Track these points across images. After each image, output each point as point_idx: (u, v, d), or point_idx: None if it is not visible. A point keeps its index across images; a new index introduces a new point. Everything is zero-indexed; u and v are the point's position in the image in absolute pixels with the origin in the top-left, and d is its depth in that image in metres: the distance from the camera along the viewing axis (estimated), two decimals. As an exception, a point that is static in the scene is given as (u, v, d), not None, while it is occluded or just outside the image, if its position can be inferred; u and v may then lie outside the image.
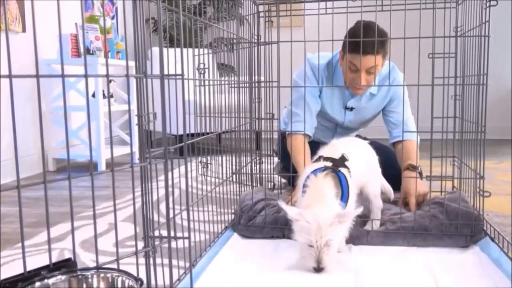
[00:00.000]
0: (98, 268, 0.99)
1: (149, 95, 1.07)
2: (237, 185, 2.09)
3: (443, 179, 1.69)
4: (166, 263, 1.24)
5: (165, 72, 1.04)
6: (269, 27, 1.98)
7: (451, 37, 1.69)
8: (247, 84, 2.13)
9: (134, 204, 1.01)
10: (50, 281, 0.93)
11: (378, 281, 1.33)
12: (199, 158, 2.03)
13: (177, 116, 1.17)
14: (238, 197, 1.99)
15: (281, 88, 1.84)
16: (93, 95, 3.26)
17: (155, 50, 3.96)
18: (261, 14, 2.12)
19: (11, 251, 1.65)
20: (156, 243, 1.08)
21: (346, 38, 1.97)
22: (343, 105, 2.25)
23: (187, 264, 1.34)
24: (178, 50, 3.47)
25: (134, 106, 3.40)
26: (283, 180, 2.64)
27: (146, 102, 1.06)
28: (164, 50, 1.06)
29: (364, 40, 1.73)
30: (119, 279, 0.98)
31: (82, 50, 3.23)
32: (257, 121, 2.19)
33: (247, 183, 2.20)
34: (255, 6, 2.15)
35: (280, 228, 1.69)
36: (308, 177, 1.50)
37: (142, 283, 0.97)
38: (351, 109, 2.25)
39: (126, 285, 0.97)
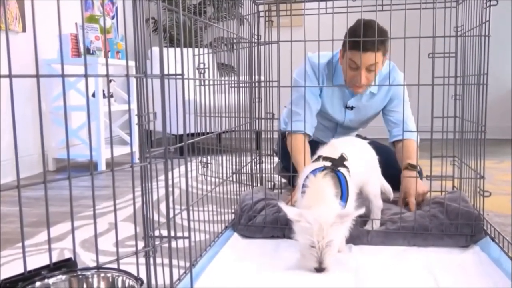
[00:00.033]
0: (99, 268, 0.99)
1: (149, 95, 1.07)
2: (237, 185, 2.09)
3: (443, 178, 1.69)
4: (166, 263, 1.24)
5: (165, 72, 1.04)
6: (269, 26, 1.98)
7: (451, 37, 1.69)
8: (247, 84, 2.13)
9: (134, 204, 1.01)
10: (51, 281, 0.93)
11: (378, 281, 1.33)
12: (199, 158, 2.03)
13: (177, 116, 1.17)
14: (238, 197, 1.99)
15: (281, 88, 1.84)
16: (93, 95, 3.26)
17: (155, 49, 3.96)
18: (261, 14, 2.12)
19: (11, 250, 1.65)
20: (156, 243, 1.08)
21: (346, 36, 1.97)
22: (344, 104, 2.25)
23: (187, 264, 1.34)
24: (178, 50, 3.47)
25: (134, 106, 3.40)
26: (283, 180, 2.64)
27: (146, 102, 1.06)
28: (164, 50, 1.06)
29: (364, 36, 1.73)
30: (120, 279, 0.98)
31: (82, 50, 3.23)
32: (257, 121, 2.19)
33: (247, 183, 2.20)
34: (255, 6, 2.15)
35: (280, 228, 1.69)
36: (307, 177, 1.50)
37: (142, 283, 0.97)
38: (352, 108, 2.25)
39: (127, 285, 0.97)
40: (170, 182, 1.06)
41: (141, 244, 1.08)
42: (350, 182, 1.52)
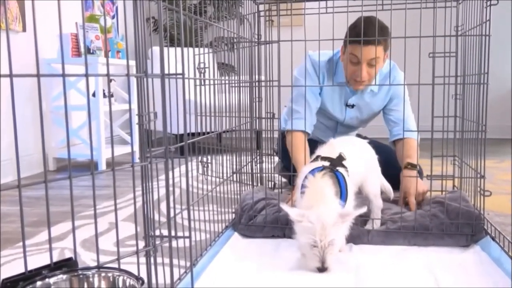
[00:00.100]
0: (99, 267, 0.99)
1: (150, 94, 1.07)
2: (238, 185, 2.09)
3: (444, 178, 1.69)
4: (167, 263, 1.24)
5: (166, 72, 1.04)
6: (269, 26, 1.98)
7: (452, 36, 1.69)
8: (248, 84, 2.13)
9: (135, 203, 1.01)
10: (51, 280, 0.93)
11: (378, 280, 1.33)
12: (200, 158, 2.03)
13: (177, 116, 1.17)
14: (238, 197, 1.99)
15: (282, 88, 1.84)
16: (93, 95, 3.26)
17: (156, 49, 3.96)
18: (262, 13, 2.12)
19: (12, 250, 1.65)
20: (157, 242, 1.08)
21: (347, 33, 1.98)
22: (344, 102, 2.25)
23: (188, 264, 1.34)
24: (178, 49, 3.47)
25: (134, 106, 3.40)
26: (284, 180, 2.64)
27: (147, 101, 1.06)
28: (165, 49, 1.06)
29: (365, 31, 1.73)
30: (120, 278, 0.98)
31: (82, 49, 3.23)
32: (257, 120, 2.19)
33: (248, 183, 2.20)
34: (256, 5, 2.15)
35: (281, 228, 1.69)
36: (306, 177, 1.50)
37: (143, 282, 0.97)
38: (352, 106, 2.25)
39: (127, 284, 0.97)
40: (170, 181, 1.06)
41: (141, 244, 1.08)
42: (349, 181, 1.52)
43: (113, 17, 4.22)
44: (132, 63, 3.31)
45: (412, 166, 1.98)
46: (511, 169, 3.10)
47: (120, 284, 0.98)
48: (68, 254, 1.62)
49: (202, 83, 1.85)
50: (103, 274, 0.99)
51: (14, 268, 1.45)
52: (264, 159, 2.35)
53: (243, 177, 2.15)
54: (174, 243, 1.12)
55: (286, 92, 1.93)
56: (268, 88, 2.03)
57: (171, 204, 1.09)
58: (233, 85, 2.08)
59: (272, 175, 2.47)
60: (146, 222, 1.07)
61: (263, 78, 2.10)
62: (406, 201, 1.91)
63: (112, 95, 3.92)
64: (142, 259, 1.06)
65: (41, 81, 0.82)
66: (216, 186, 1.72)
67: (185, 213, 1.40)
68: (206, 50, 3.77)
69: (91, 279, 0.98)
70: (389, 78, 2.12)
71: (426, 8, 1.61)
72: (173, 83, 2.15)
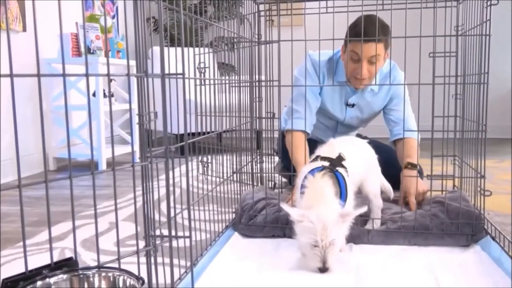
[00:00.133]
0: (100, 267, 0.99)
1: (150, 94, 1.07)
2: (238, 184, 2.09)
3: (444, 178, 1.69)
4: (167, 262, 1.24)
5: (166, 71, 1.04)
6: (269, 26, 1.98)
7: (452, 36, 1.69)
8: (248, 83, 2.13)
9: (135, 203, 1.01)
10: (52, 280, 0.93)
11: (378, 280, 1.33)
12: (200, 157, 2.03)
13: (178, 115, 1.17)
14: (238, 196, 1.99)
15: (282, 87, 1.84)
16: (94, 94, 3.27)
17: (156, 49, 3.96)
18: (262, 13, 2.12)
19: (12, 250, 1.65)
20: (157, 242, 1.08)
21: (347, 33, 1.98)
22: (345, 101, 2.25)
23: (188, 263, 1.35)
24: (178, 49, 3.47)
25: (135, 105, 3.40)
26: (284, 179, 2.64)
27: (147, 101, 1.06)
28: (165, 49, 1.06)
29: (365, 28, 1.74)
30: (121, 278, 0.99)
31: (82, 49, 3.23)
32: (257, 120, 2.19)
33: (248, 182, 2.20)
34: (256, 5, 2.15)
35: (281, 227, 1.69)
36: (305, 177, 1.50)
37: (143, 282, 0.97)
38: (353, 105, 2.25)
39: (128, 284, 0.97)
40: (170, 181, 1.06)
41: (142, 244, 1.08)
42: (349, 181, 1.52)
43: (113, 17, 4.22)
44: (133, 63, 3.31)
45: (413, 166, 1.98)
46: (511, 169, 3.10)
47: (121, 284, 0.98)
48: (69, 254, 1.62)
49: (202, 83, 1.85)
50: (103, 274, 0.99)
51: (14, 268, 1.45)
52: (264, 159, 2.35)
53: (243, 177, 2.15)
54: (174, 243, 1.12)
55: (286, 92, 1.93)
56: (268, 88, 2.04)
57: (171, 204, 1.09)
58: (233, 85, 2.09)
59: (272, 175, 2.47)
60: (147, 222, 1.07)
61: (263, 78, 2.10)
62: (406, 201, 1.91)
63: (112, 95, 3.92)
64: (143, 259, 1.06)
65: (41, 81, 0.82)
66: (216, 186, 1.73)
67: (185, 213, 1.40)
68: (206, 50, 3.77)
69: (91, 279, 0.98)
70: (389, 77, 2.12)
71: (426, 8, 1.61)
72: (173, 83, 2.15)
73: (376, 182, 1.76)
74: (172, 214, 1.10)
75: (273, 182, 2.33)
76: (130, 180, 2.82)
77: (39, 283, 0.91)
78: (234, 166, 2.05)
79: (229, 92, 2.03)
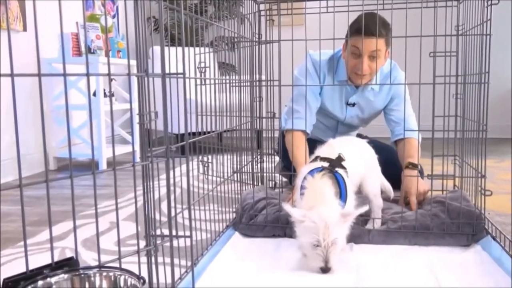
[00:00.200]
0: (100, 267, 0.99)
1: (151, 93, 1.07)
2: (238, 184, 2.09)
3: (445, 178, 1.69)
4: (168, 262, 1.24)
5: (166, 71, 1.04)
6: (270, 25, 1.98)
7: (453, 36, 1.69)
8: (248, 83, 2.13)
9: (136, 203, 1.01)
10: (53, 279, 0.93)
11: (379, 280, 1.33)
12: (200, 157, 2.03)
13: (178, 115, 1.17)
14: (239, 196, 1.99)
15: (282, 87, 1.84)
16: (94, 94, 3.27)
17: (156, 49, 3.96)
18: (262, 13, 2.12)
19: (13, 249, 1.65)
20: (158, 241, 1.08)
21: (348, 32, 1.98)
22: (345, 100, 2.25)
23: (189, 263, 1.35)
24: (179, 49, 3.47)
25: (135, 105, 3.40)
26: (284, 179, 2.64)
27: (148, 100, 1.06)
28: (165, 49, 1.06)
29: (366, 24, 1.74)
30: (121, 277, 0.99)
31: (83, 49, 3.23)
32: (258, 120, 2.19)
33: (248, 182, 2.20)
34: (256, 5, 2.15)
35: (281, 227, 1.69)
36: (305, 178, 1.50)
37: (144, 281, 0.97)
38: (353, 104, 2.25)
39: (129, 284, 0.97)
40: (171, 181, 1.06)
41: (142, 243, 1.08)
42: (348, 182, 1.52)
43: (113, 17, 4.22)
44: (133, 62, 3.31)
45: (413, 166, 1.98)
46: (511, 168, 3.09)
47: (122, 284, 0.98)
48: (69, 254, 1.62)
49: (203, 83, 1.85)
50: (104, 274, 0.99)
51: (15, 268, 1.46)
52: (264, 158, 2.35)
53: (243, 176, 2.15)
54: (175, 243, 1.12)
55: (286, 92, 1.93)
56: (268, 87, 2.04)
57: (172, 204, 1.09)
58: (234, 84, 2.09)
59: (273, 174, 2.47)
60: (147, 222, 1.07)
61: (263, 77, 2.10)
62: (407, 201, 1.91)
63: (112, 95, 3.93)
64: (143, 259, 1.06)
65: (41, 81, 0.82)
66: (216, 185, 1.73)
67: (186, 213, 1.40)
68: (207, 49, 3.77)
69: (92, 279, 0.98)
70: (390, 77, 2.12)
71: (427, 7, 1.61)
72: (173, 83, 2.15)
73: (376, 182, 1.76)
74: (172, 213, 1.10)
75: (273, 182, 2.33)
76: (131, 180, 2.82)
77: (40, 282, 0.91)
78: (235, 166, 2.05)
79: (230, 91, 2.03)
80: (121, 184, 2.74)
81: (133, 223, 1.91)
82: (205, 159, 2.09)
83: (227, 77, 4.60)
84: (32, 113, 3.13)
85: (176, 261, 1.39)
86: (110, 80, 0.98)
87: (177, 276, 1.23)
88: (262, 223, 1.71)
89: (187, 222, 1.74)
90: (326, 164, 1.54)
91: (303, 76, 2.13)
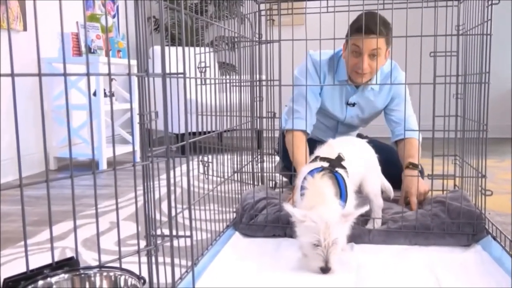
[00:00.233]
0: (101, 267, 0.99)
1: (151, 93, 1.07)
2: (239, 184, 2.09)
3: (445, 177, 1.69)
4: (168, 262, 1.24)
5: (167, 71, 1.04)
6: (270, 25, 1.97)
7: (453, 36, 1.69)
8: (249, 83, 2.13)
9: (136, 202, 1.01)
10: (53, 279, 0.93)
11: (379, 280, 1.33)
12: (201, 157, 2.03)
13: (178, 115, 1.17)
14: (239, 196, 1.99)
15: (283, 87, 1.84)
16: (94, 94, 3.27)
17: (157, 48, 3.96)
18: (263, 13, 2.12)
19: (13, 249, 1.65)
20: (158, 241, 1.08)
21: (348, 32, 1.98)
22: (345, 100, 2.25)
23: (189, 263, 1.35)
24: (179, 48, 3.47)
25: (135, 105, 3.40)
26: (285, 179, 2.64)
27: (148, 100, 1.06)
28: (166, 48, 1.06)
29: (367, 23, 1.75)
30: (122, 277, 0.99)
31: (83, 48, 3.23)
32: (258, 119, 2.19)
33: (249, 182, 2.20)
34: (257, 5, 2.15)
35: (282, 227, 1.69)
36: (305, 178, 1.50)
37: (144, 281, 0.97)
38: (353, 104, 2.25)
39: (129, 283, 0.97)
40: (171, 181, 1.06)
41: (143, 243, 1.08)
42: (349, 182, 1.52)
43: (114, 16, 4.22)
44: (133, 62, 3.31)
45: (414, 166, 1.97)
46: (511, 168, 3.09)
47: (122, 284, 0.98)
48: (69, 254, 1.62)
49: (203, 83, 1.85)
50: (104, 274, 0.99)
51: (15, 268, 1.45)
52: (265, 158, 2.35)
53: (244, 176, 2.15)
54: (175, 243, 1.12)
55: (287, 92, 1.93)
56: (269, 87, 2.03)
57: (172, 204, 1.09)
58: (234, 84, 2.08)
59: (273, 174, 2.47)
60: (147, 222, 1.07)
61: (264, 77, 2.10)
62: (407, 201, 1.91)
63: (113, 94, 3.93)
64: (144, 259, 1.06)
65: (42, 81, 0.82)
66: (217, 185, 1.73)
67: (186, 213, 1.40)
68: (207, 49, 3.77)
69: (92, 279, 0.98)
70: (390, 77, 2.12)
71: (428, 7, 1.60)
72: (174, 82, 2.15)
73: (376, 182, 1.75)
74: (173, 213, 1.10)
75: (273, 182, 2.33)
76: (131, 180, 2.82)
77: (40, 282, 0.91)
78: (235, 166, 2.05)
79: (230, 91, 2.03)
80: (121, 184, 2.74)
81: (134, 223, 1.91)
82: (206, 159, 2.09)
83: (228, 77, 4.60)
84: (33, 113, 3.13)
85: (176, 261, 1.39)
86: (111, 80, 0.98)
87: (177, 276, 1.23)
88: (263, 223, 1.71)
89: (187, 222, 1.74)
90: (326, 164, 1.54)
91: (303, 76, 2.13)
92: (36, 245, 1.69)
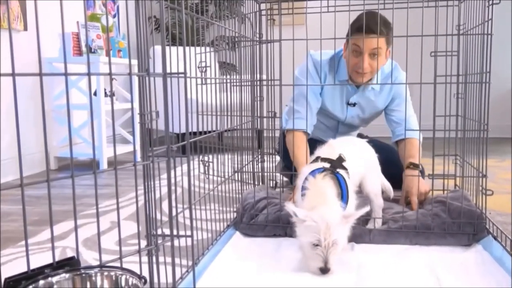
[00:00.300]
0: (102, 266, 0.99)
1: (152, 93, 1.07)
2: (239, 184, 2.09)
3: (446, 177, 1.69)
4: (169, 262, 1.24)
5: (168, 71, 1.04)
6: (271, 25, 1.97)
7: (454, 35, 1.69)
8: (249, 83, 2.13)
9: (137, 202, 1.01)
10: (54, 279, 0.93)
11: (380, 280, 1.33)
12: (201, 157, 2.03)
13: (179, 115, 1.17)
14: (240, 196, 1.99)
15: (283, 87, 1.84)
16: (95, 94, 3.27)
17: (157, 48, 3.96)
18: (263, 12, 2.12)
19: (14, 249, 1.65)
20: (159, 241, 1.08)
21: (349, 32, 1.98)
22: (346, 100, 2.25)
23: (190, 263, 1.35)
24: (180, 48, 3.47)
25: (136, 104, 3.40)
26: (285, 179, 2.64)
27: (149, 100, 1.06)
28: (166, 48, 1.06)
29: (367, 22, 1.75)
30: (123, 277, 0.99)
31: (84, 48, 3.23)
32: (259, 119, 2.19)
33: (249, 182, 2.20)
34: (257, 4, 2.15)
35: (282, 227, 1.69)
36: (306, 178, 1.50)
37: (145, 281, 0.97)
38: (354, 104, 2.25)
39: (130, 283, 0.97)
40: (172, 180, 1.06)
41: (143, 243, 1.08)
42: (350, 182, 1.52)
43: (114, 16, 4.23)
44: (134, 62, 3.31)
45: (414, 166, 1.97)
46: (511, 168, 3.09)
47: (123, 283, 0.98)
48: (70, 253, 1.62)
49: (204, 82, 1.85)
50: (105, 273, 0.99)
51: (15, 267, 1.46)
52: (265, 158, 2.35)
53: (244, 176, 2.15)
54: (176, 242, 1.12)
55: (287, 91, 1.93)
56: (269, 87, 2.03)
57: (173, 203, 1.10)
58: (235, 84, 2.08)
59: (274, 174, 2.46)
60: (148, 221, 1.07)
61: (264, 77, 2.10)
62: (407, 201, 1.91)
63: (113, 94, 3.93)
64: (144, 258, 1.06)
65: (42, 80, 0.82)
66: (217, 185, 1.73)
67: (187, 212, 1.40)
68: (208, 49, 3.77)
69: (93, 278, 0.98)
70: (391, 77, 2.12)
71: (428, 7, 1.60)
72: (174, 82, 2.15)
73: (376, 182, 1.76)
74: (173, 213, 1.10)
75: (274, 182, 2.33)
76: (132, 179, 2.82)
77: (41, 282, 0.91)
78: (236, 165, 2.05)
79: (231, 91, 2.03)
80: (122, 184, 2.74)
81: (134, 223, 1.91)
82: (206, 158, 2.09)
83: (228, 76, 4.60)
84: (33, 113, 3.13)
85: (177, 260, 1.38)
86: (111, 79, 0.98)
87: (178, 275, 1.23)
88: (263, 222, 1.71)
89: (188, 222, 1.74)
90: (327, 165, 1.54)
91: (303, 76, 2.13)
92: (36, 245, 1.69)
